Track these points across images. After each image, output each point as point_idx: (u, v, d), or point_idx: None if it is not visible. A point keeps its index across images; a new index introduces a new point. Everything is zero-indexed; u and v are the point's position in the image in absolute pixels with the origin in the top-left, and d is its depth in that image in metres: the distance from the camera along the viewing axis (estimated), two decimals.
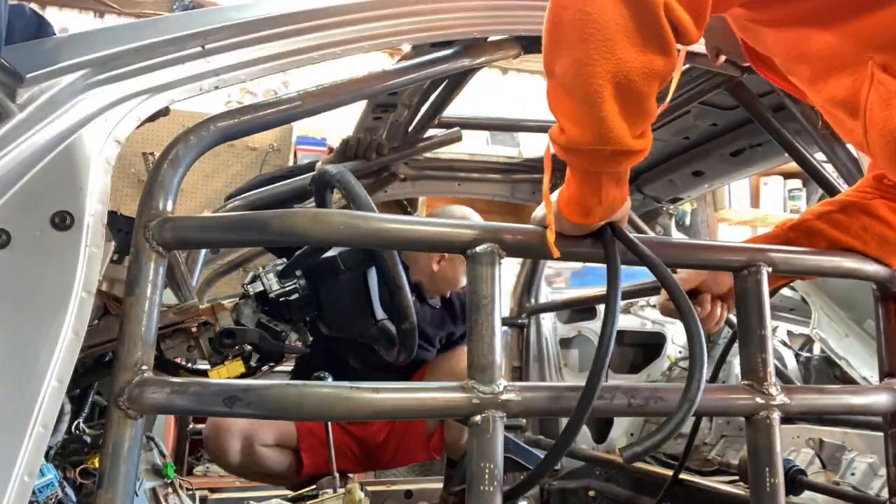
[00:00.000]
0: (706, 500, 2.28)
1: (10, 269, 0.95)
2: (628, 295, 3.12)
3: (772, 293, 1.30)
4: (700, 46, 1.55)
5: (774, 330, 2.82)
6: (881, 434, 1.47)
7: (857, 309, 2.33)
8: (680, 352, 3.09)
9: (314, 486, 2.26)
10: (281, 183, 2.17)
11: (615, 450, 3.04)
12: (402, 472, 3.57)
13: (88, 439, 1.49)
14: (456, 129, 2.38)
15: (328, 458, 2.24)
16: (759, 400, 1.21)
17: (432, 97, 2.17)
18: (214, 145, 1.16)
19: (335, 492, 2.13)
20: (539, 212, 1.17)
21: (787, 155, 2.00)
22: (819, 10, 1.02)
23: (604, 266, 1.16)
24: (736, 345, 1.32)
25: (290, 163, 4.61)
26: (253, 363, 1.46)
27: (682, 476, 2.35)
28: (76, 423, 1.52)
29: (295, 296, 1.48)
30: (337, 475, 2.23)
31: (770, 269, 1.27)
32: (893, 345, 1.46)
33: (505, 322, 3.23)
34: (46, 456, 1.27)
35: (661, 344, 3.12)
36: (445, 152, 2.70)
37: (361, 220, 1.11)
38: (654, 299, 3.19)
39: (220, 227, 1.12)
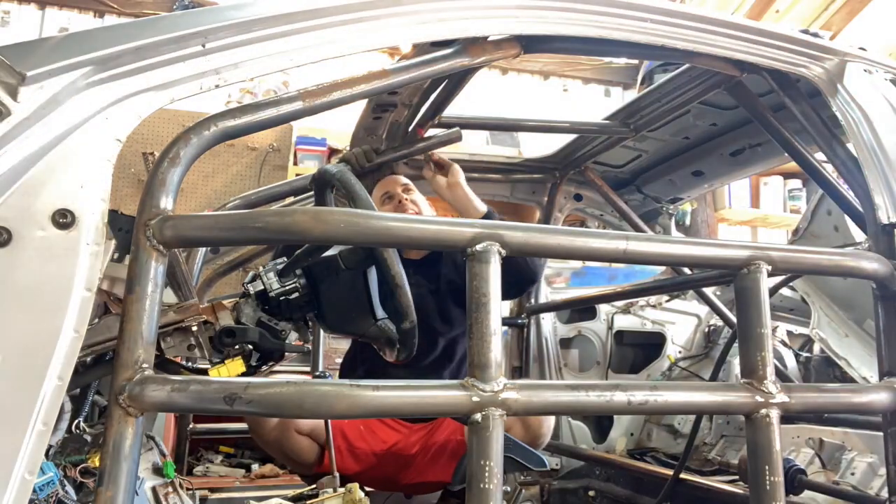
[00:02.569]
0: (706, 500, 2.28)
1: (10, 268, 0.96)
2: (628, 295, 3.12)
3: (771, 292, 1.30)
4: (700, 45, 1.56)
5: (774, 330, 2.82)
6: (881, 434, 1.48)
7: (857, 309, 2.33)
8: (680, 352, 3.09)
9: (314, 486, 2.26)
10: (280, 182, 2.16)
11: (615, 450, 3.04)
12: None
13: (89, 438, 1.50)
14: (456, 129, 2.38)
15: (331, 458, 2.25)
16: (758, 398, 1.22)
17: (432, 97, 2.17)
18: (214, 144, 1.16)
19: (335, 492, 2.13)
20: None
21: (787, 155, 2.01)
22: None
23: (604, 266, 1.16)
24: (736, 345, 1.33)
25: (290, 163, 4.61)
26: (253, 362, 1.46)
27: (683, 475, 2.35)
28: (76, 422, 1.52)
29: (295, 295, 1.48)
30: (337, 475, 2.23)
31: (770, 268, 1.27)
32: (893, 344, 1.46)
33: (505, 322, 3.23)
34: (46, 455, 1.27)
35: (661, 344, 3.12)
36: (445, 152, 2.70)
37: (362, 219, 1.11)
38: (653, 299, 3.19)
39: (220, 226, 1.12)
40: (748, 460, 1.24)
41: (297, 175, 4.54)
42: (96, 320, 1.23)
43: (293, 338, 1.53)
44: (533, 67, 5.63)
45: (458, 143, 2.48)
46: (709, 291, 2.78)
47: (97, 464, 1.19)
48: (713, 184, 2.97)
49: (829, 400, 1.41)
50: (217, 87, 1.15)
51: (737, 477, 2.39)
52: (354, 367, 2.55)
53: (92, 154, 1.03)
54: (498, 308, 1.09)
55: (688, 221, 5.29)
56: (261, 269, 1.52)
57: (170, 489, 1.74)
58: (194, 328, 1.37)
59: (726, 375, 2.73)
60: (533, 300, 3.28)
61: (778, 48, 1.65)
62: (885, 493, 1.90)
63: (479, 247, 1.10)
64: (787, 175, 5.78)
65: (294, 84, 4.13)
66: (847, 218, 1.91)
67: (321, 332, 2.81)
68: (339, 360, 3.65)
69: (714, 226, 5.54)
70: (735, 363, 2.71)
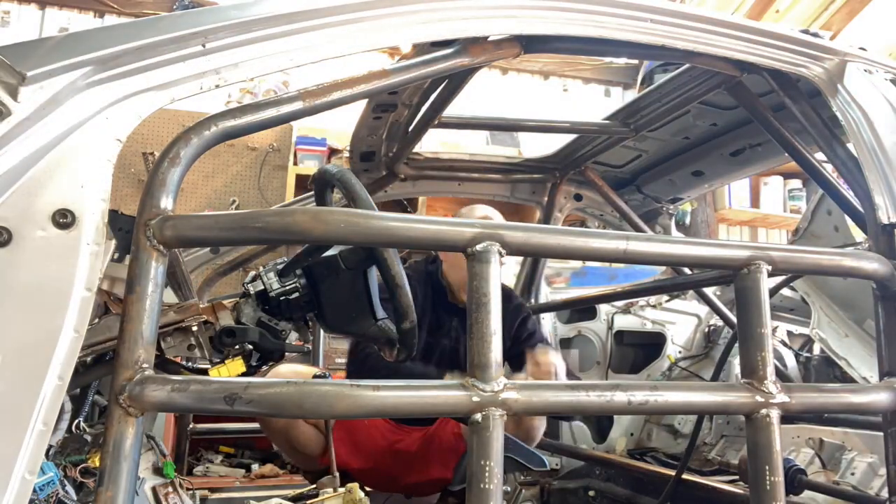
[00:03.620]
0: (706, 500, 2.28)
1: (11, 268, 0.96)
2: (628, 295, 3.12)
3: (771, 292, 1.30)
4: (700, 45, 1.56)
5: (774, 330, 2.82)
6: (881, 434, 1.47)
7: (857, 309, 2.33)
8: (680, 352, 3.09)
9: (314, 486, 2.26)
10: None
11: (615, 450, 3.04)
12: None
13: (89, 438, 1.50)
14: None
15: (331, 458, 2.25)
16: (758, 398, 1.22)
17: (432, 97, 2.17)
18: (215, 144, 1.16)
19: (335, 491, 2.13)
20: None
21: (787, 155, 2.01)
22: None
23: (604, 266, 1.17)
24: (736, 345, 1.33)
25: (290, 163, 4.62)
26: (253, 362, 1.46)
27: (683, 475, 2.35)
28: (76, 422, 1.52)
29: (295, 294, 1.48)
30: (337, 475, 2.23)
31: (770, 268, 1.27)
32: (893, 344, 1.46)
33: None
34: (46, 455, 1.27)
35: (661, 344, 3.12)
36: (445, 152, 2.71)
37: (362, 219, 1.11)
38: (653, 299, 3.19)
39: (220, 226, 1.12)
40: (748, 460, 1.24)
41: (296, 175, 4.55)
42: (96, 320, 1.23)
43: (293, 338, 1.53)
44: (533, 67, 5.63)
45: (459, 143, 2.49)
46: (709, 291, 2.78)
47: (97, 464, 1.19)
48: (713, 184, 2.97)
49: (829, 400, 1.41)
50: (217, 87, 1.15)
51: (737, 477, 2.39)
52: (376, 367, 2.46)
53: (92, 154, 1.03)
54: (498, 308, 1.09)
55: (688, 221, 5.30)
56: (261, 269, 1.52)
57: (170, 489, 1.75)
58: (194, 328, 1.37)
59: (726, 375, 2.73)
60: (533, 300, 3.28)
61: (778, 48, 1.65)
62: (885, 493, 1.90)
63: (479, 247, 1.10)
64: (787, 175, 5.77)
65: (294, 84, 4.12)
66: (847, 218, 1.91)
67: (321, 332, 2.81)
68: (340, 360, 3.65)
69: (714, 226, 5.54)
70: (735, 363, 2.71)
